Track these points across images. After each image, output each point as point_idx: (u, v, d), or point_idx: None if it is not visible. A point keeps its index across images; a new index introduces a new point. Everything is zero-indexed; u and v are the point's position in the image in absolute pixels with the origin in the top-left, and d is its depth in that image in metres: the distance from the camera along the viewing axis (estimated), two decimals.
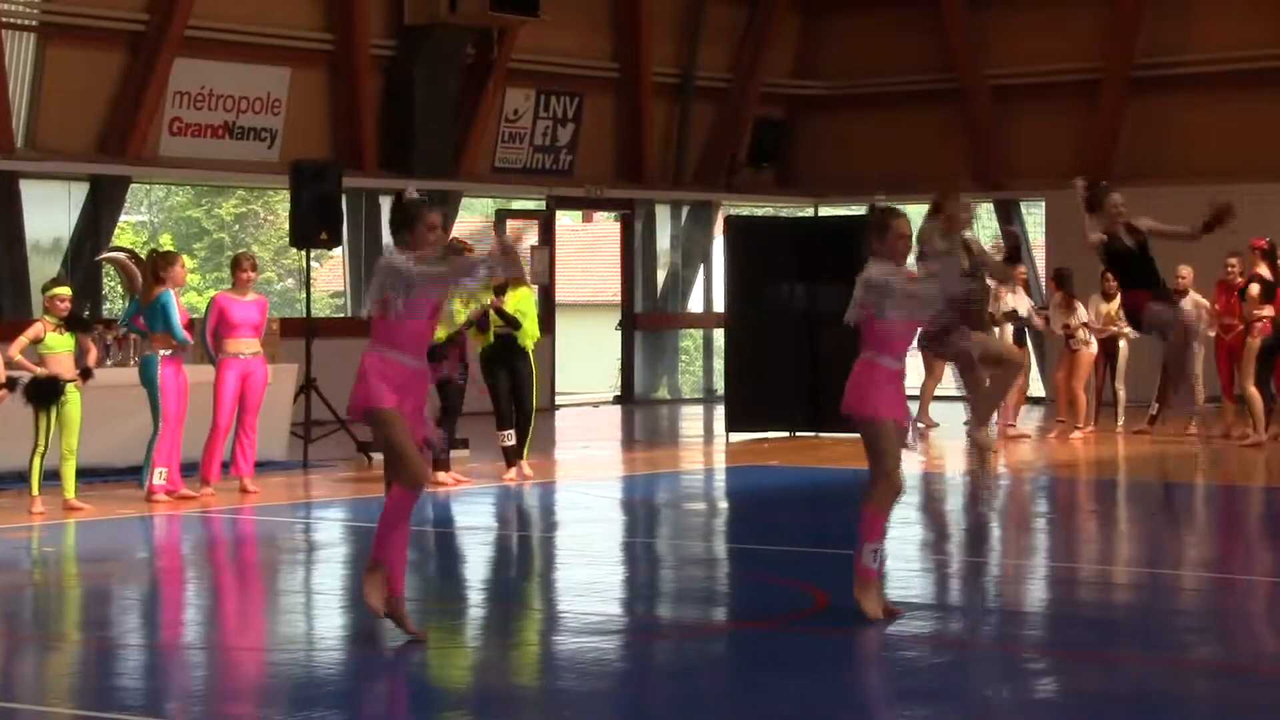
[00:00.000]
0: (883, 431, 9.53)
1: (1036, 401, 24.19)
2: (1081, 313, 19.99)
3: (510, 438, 16.07)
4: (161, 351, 14.62)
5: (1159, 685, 8.47)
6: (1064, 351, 20.22)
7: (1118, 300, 20.12)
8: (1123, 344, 20.18)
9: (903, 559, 11.51)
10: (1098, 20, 25.67)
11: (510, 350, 15.90)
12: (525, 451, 16.23)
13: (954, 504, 15.28)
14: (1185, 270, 19.90)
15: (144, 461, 14.71)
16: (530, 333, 15.93)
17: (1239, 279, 19.35)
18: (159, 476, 14.58)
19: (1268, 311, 18.90)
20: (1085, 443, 19.62)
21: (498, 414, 16.07)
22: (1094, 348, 20.11)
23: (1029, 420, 21.78)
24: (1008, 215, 26.72)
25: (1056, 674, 8.68)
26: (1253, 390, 18.96)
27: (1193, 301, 19.48)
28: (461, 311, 15.29)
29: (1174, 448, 18.96)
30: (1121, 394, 20.25)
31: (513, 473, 16.09)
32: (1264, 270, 19.05)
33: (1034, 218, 27.29)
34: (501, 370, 15.97)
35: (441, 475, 15.50)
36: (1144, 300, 13.02)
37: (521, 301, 15.94)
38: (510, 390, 16.02)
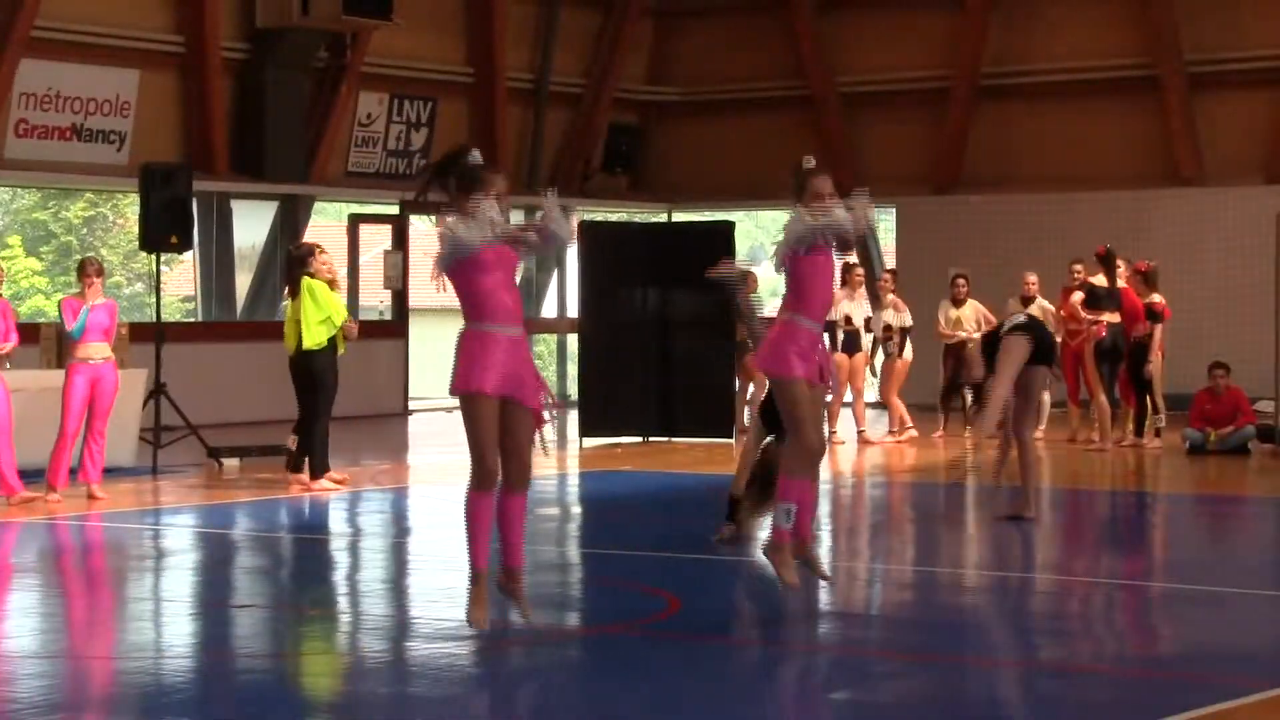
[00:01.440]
0: (795, 391, 9.60)
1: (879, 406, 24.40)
2: (890, 317, 20.26)
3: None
4: None
5: (1002, 687, 8.59)
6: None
7: (967, 306, 20.41)
8: (970, 348, 20.39)
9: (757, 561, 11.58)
10: (946, 29, 25.98)
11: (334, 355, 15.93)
12: None
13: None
14: (1032, 277, 20.22)
15: None
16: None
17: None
18: None
19: (1106, 317, 19.22)
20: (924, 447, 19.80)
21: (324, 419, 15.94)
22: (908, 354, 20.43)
23: (878, 426, 21.96)
24: None
25: (900, 677, 8.78)
26: (1102, 398, 19.27)
27: (1039, 308, 19.77)
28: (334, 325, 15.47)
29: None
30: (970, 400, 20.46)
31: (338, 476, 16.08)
32: (1100, 279, 19.35)
33: (884, 224, 27.52)
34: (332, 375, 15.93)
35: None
36: None
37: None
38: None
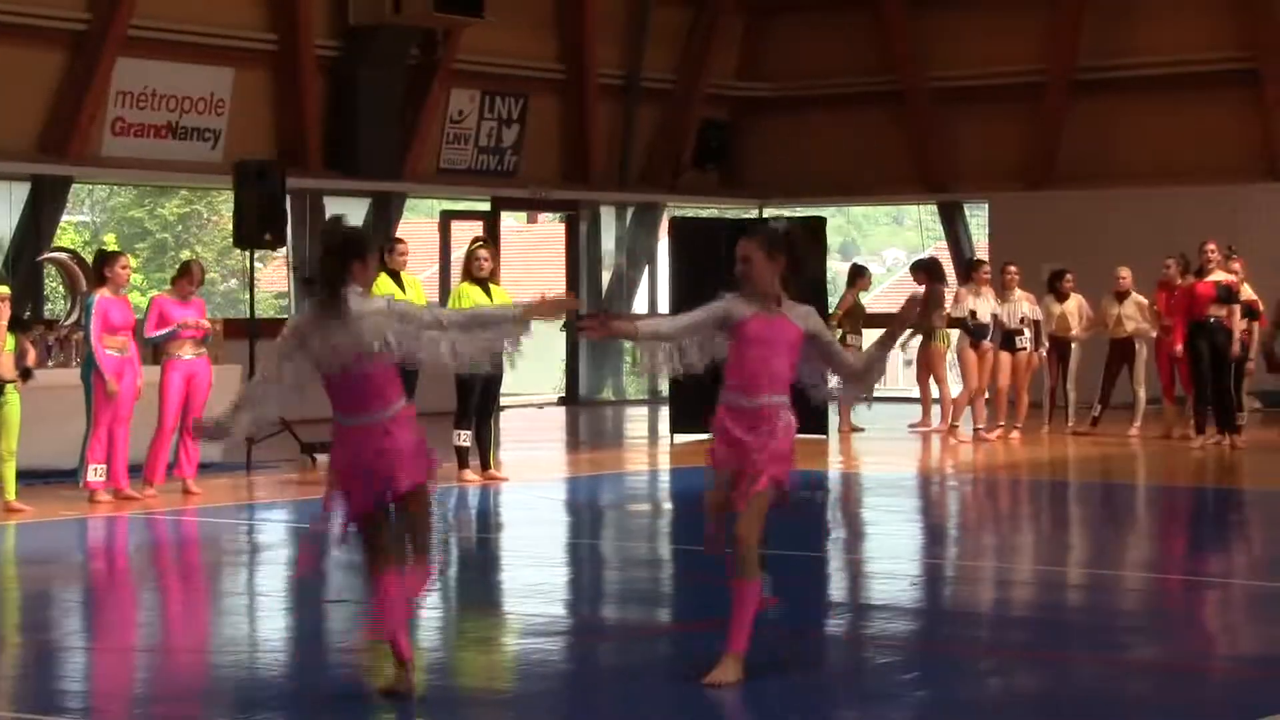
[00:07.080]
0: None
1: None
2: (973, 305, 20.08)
3: (469, 438, 16.03)
4: (108, 351, 14.56)
5: (1100, 685, 8.51)
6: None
7: (1071, 300, 20.23)
8: (1074, 346, 20.26)
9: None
10: (1039, 23, 25.78)
11: None
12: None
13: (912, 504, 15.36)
14: (1125, 271, 20.05)
15: (79, 459, 14.66)
16: None
17: (1179, 280, 19.44)
18: (94, 473, 14.50)
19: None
20: (1022, 444, 19.63)
21: (465, 412, 15.98)
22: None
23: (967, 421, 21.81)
24: (951, 217, 26.84)
25: (1002, 674, 8.72)
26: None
27: (1134, 304, 19.63)
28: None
29: (1116, 449, 19.07)
30: (1072, 395, 20.32)
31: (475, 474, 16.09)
32: (1219, 274, 18.87)
33: (977, 220, 27.39)
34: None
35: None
36: None
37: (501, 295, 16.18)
38: (484, 389, 16.00)
